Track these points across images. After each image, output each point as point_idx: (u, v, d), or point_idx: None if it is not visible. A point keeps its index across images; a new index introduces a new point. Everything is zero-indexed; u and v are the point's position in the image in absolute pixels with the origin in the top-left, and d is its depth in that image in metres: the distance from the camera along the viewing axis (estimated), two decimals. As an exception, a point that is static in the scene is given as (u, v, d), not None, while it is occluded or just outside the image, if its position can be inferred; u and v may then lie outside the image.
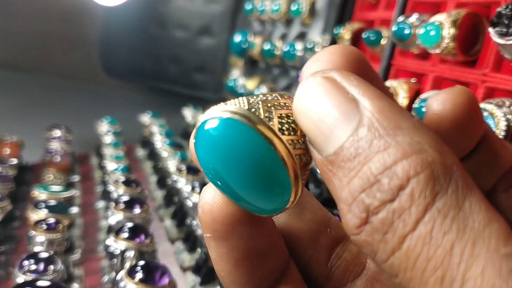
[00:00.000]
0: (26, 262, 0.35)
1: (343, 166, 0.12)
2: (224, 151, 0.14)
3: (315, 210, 0.18)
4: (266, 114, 0.14)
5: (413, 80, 0.41)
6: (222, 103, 0.15)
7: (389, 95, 0.14)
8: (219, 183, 0.15)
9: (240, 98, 0.15)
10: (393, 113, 0.12)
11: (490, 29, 0.30)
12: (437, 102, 0.15)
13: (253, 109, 0.14)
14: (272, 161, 0.14)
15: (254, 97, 0.15)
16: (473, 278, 0.10)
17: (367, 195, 0.12)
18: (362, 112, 0.12)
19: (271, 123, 0.14)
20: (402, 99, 0.39)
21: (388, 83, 0.41)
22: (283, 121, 0.14)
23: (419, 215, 0.11)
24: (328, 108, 0.13)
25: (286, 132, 0.14)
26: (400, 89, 0.39)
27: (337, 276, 0.18)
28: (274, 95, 0.15)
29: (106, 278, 0.43)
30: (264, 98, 0.15)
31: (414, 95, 0.39)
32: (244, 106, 0.14)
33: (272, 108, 0.15)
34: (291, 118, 0.14)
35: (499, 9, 0.29)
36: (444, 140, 0.13)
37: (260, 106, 0.15)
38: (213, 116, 0.14)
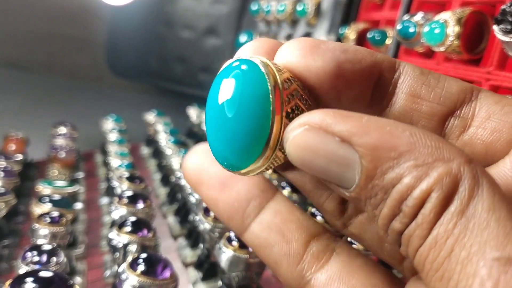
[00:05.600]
0: (29, 254, 0.36)
1: (368, 202, 0.14)
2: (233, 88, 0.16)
3: None
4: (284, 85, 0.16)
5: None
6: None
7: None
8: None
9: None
10: (384, 138, 0.13)
11: (495, 27, 0.30)
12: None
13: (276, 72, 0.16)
14: (265, 118, 0.15)
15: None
16: (465, 279, 0.12)
17: (396, 221, 0.13)
18: (357, 150, 0.13)
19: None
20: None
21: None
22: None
23: (428, 230, 0.13)
24: (326, 161, 0.13)
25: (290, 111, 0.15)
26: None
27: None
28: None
29: (108, 273, 0.43)
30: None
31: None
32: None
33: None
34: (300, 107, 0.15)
35: (503, 7, 0.29)
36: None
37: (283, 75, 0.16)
38: (242, 58, 0.16)
